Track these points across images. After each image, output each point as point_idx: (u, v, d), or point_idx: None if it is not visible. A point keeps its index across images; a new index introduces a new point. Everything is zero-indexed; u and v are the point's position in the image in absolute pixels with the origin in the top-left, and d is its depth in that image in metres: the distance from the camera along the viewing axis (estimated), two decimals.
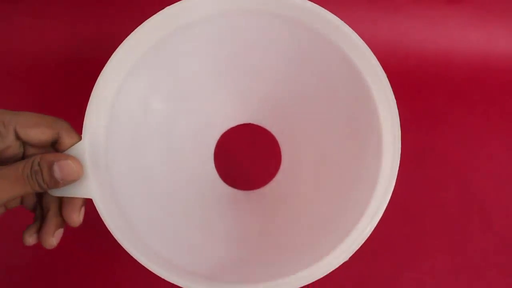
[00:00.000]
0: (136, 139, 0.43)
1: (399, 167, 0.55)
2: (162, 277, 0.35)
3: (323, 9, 0.43)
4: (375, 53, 0.64)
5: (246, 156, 0.51)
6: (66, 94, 0.61)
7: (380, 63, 0.64)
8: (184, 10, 0.42)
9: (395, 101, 0.40)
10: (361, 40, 0.43)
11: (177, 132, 0.47)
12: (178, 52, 0.45)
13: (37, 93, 0.61)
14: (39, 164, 0.35)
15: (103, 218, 0.36)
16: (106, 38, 0.64)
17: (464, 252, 0.50)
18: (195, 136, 0.49)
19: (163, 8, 0.63)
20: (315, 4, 0.43)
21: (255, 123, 0.52)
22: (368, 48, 0.43)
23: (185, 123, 0.48)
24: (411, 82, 0.65)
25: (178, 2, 0.42)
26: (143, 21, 0.62)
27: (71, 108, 0.55)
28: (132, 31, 0.62)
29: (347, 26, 0.43)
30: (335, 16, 0.43)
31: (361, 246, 0.49)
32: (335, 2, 0.64)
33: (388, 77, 0.64)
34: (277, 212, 0.46)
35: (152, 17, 0.42)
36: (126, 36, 0.63)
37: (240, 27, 0.45)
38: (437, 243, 0.51)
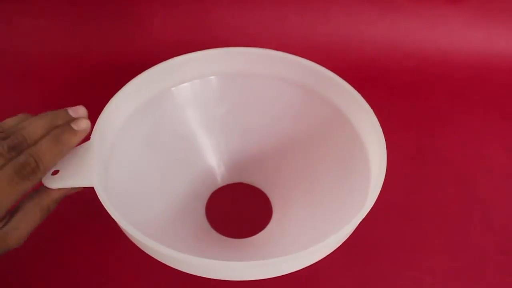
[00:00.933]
0: (135, 165, 0.45)
1: (399, 166, 0.55)
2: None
3: (315, 63, 0.47)
4: (375, 54, 0.65)
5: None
6: (67, 94, 0.61)
7: (380, 63, 0.65)
8: (186, 64, 0.47)
9: (384, 143, 0.42)
10: (352, 88, 0.45)
11: (171, 176, 0.49)
12: (176, 104, 0.48)
13: (38, 93, 0.61)
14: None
15: (104, 204, 0.36)
16: (107, 39, 0.64)
17: (464, 251, 0.50)
18: (187, 185, 0.50)
19: (162, 14, 0.63)
20: (307, 60, 0.47)
21: (247, 182, 0.53)
22: (359, 95, 0.45)
23: (179, 171, 0.49)
24: (411, 81, 0.65)
25: (182, 56, 0.47)
26: (143, 24, 0.63)
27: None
28: (134, 32, 0.63)
29: (338, 76, 0.46)
30: (325, 69, 0.47)
31: (361, 244, 0.49)
32: (335, 2, 0.64)
33: (388, 76, 0.64)
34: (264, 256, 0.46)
35: (162, 63, 0.46)
36: (127, 38, 0.63)
37: (235, 87, 0.49)
38: (437, 242, 0.51)
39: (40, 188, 0.38)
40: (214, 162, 0.52)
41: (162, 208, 0.46)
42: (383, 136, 0.42)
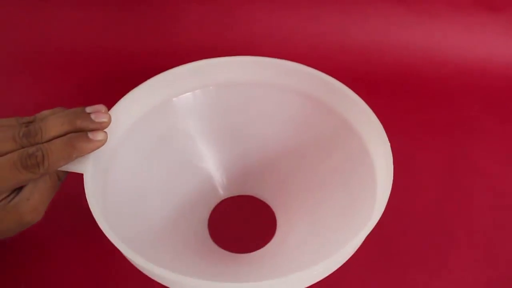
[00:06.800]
0: (135, 175, 0.45)
1: (430, 176, 0.54)
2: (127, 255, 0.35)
3: (322, 73, 0.46)
4: (410, 59, 0.64)
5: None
6: (96, 87, 0.62)
7: (415, 70, 0.64)
8: (189, 73, 0.46)
9: (391, 157, 0.40)
10: (360, 99, 0.44)
11: (172, 188, 0.48)
12: (178, 114, 0.47)
13: (71, 85, 0.62)
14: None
15: (87, 195, 0.37)
16: (140, 34, 0.65)
17: (495, 265, 0.49)
18: (189, 197, 0.49)
19: (199, 10, 0.63)
20: (313, 69, 0.46)
21: (250, 194, 0.51)
22: (367, 106, 0.44)
23: (180, 183, 0.49)
24: (446, 89, 0.63)
25: (184, 66, 0.46)
26: (177, 17, 0.62)
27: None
28: (166, 28, 0.62)
29: (345, 86, 0.45)
30: (332, 78, 0.45)
31: (390, 253, 0.48)
32: (372, 7, 0.64)
33: (422, 83, 0.63)
34: (265, 270, 0.45)
35: (166, 71, 0.46)
36: (159, 35, 0.63)
37: (239, 97, 0.48)
38: (468, 253, 0.50)
39: None
40: (216, 174, 0.51)
41: (160, 220, 0.46)
42: (391, 152, 0.40)
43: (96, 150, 0.39)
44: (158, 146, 0.47)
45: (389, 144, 0.41)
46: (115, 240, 0.35)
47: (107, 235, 0.35)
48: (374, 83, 0.62)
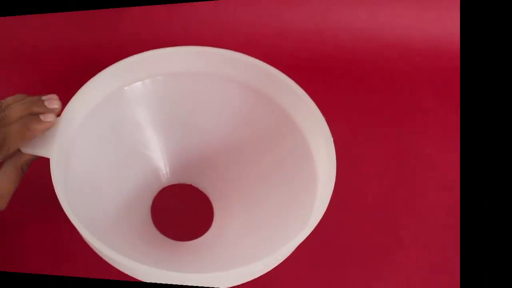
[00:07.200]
0: (90, 163, 0.48)
1: (375, 167, 0.53)
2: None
3: (266, 64, 0.47)
4: (351, 42, 0.63)
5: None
6: (56, 81, 0.62)
7: (358, 53, 0.63)
8: (139, 63, 0.48)
9: (334, 155, 0.42)
10: (303, 92, 0.45)
11: (121, 175, 0.51)
12: (128, 103, 0.50)
13: (32, 78, 0.62)
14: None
15: (53, 178, 0.41)
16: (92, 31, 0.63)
17: (446, 266, 0.48)
18: (135, 184, 0.52)
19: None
20: (258, 60, 0.47)
21: (191, 183, 0.54)
22: (310, 99, 0.45)
23: (128, 171, 0.52)
24: (393, 74, 0.61)
25: (135, 56, 0.48)
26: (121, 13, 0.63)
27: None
28: (111, 24, 0.63)
29: (289, 78, 0.46)
30: (275, 69, 0.47)
31: (331, 251, 0.48)
32: None
33: (366, 68, 0.61)
34: (205, 259, 0.48)
35: (114, 65, 0.48)
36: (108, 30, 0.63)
37: (185, 87, 0.50)
38: (414, 255, 0.49)
39: (15, 152, 0.45)
40: (160, 162, 0.53)
41: (111, 205, 0.49)
42: (334, 148, 0.42)
43: (60, 136, 0.44)
44: (109, 134, 0.50)
45: (332, 140, 0.42)
46: (75, 221, 0.38)
47: (69, 216, 0.39)
48: (315, 69, 0.60)
